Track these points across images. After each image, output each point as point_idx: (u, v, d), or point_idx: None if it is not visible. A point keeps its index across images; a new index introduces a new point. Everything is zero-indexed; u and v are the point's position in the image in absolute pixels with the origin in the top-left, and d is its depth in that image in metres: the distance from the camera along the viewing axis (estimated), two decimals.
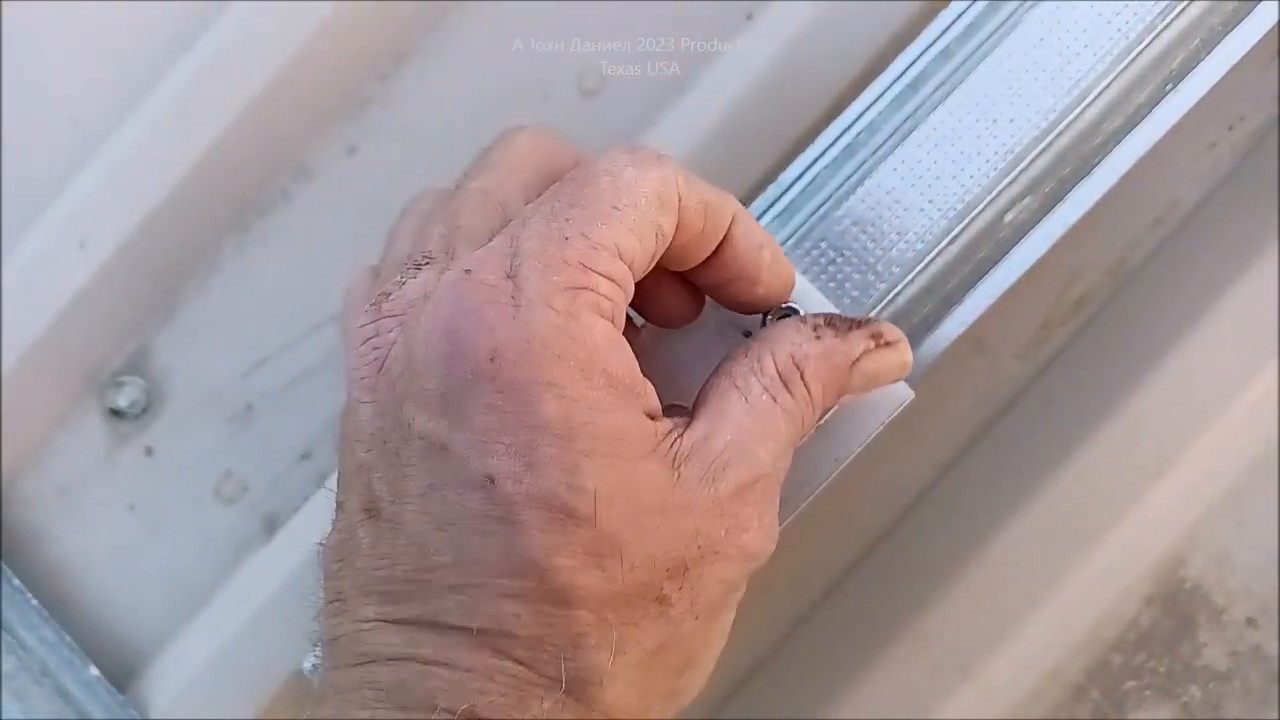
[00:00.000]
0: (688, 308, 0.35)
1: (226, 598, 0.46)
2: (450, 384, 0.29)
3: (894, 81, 0.39)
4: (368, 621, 0.30)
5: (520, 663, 0.29)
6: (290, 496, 0.47)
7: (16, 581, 0.45)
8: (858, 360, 0.33)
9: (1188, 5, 0.38)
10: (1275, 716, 0.43)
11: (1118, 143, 0.38)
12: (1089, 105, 0.38)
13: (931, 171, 0.38)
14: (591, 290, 0.29)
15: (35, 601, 0.45)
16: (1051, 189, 0.38)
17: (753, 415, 0.31)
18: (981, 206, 0.38)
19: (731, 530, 0.30)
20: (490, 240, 0.31)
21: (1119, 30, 0.38)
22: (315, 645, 0.32)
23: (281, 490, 0.47)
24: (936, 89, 0.39)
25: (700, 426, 0.31)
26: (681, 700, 0.32)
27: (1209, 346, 0.43)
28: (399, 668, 0.29)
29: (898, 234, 0.38)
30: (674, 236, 0.31)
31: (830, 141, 0.40)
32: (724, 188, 0.33)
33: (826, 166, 0.39)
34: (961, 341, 0.38)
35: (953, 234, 0.38)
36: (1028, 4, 0.38)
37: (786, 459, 0.32)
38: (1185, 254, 0.45)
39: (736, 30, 0.46)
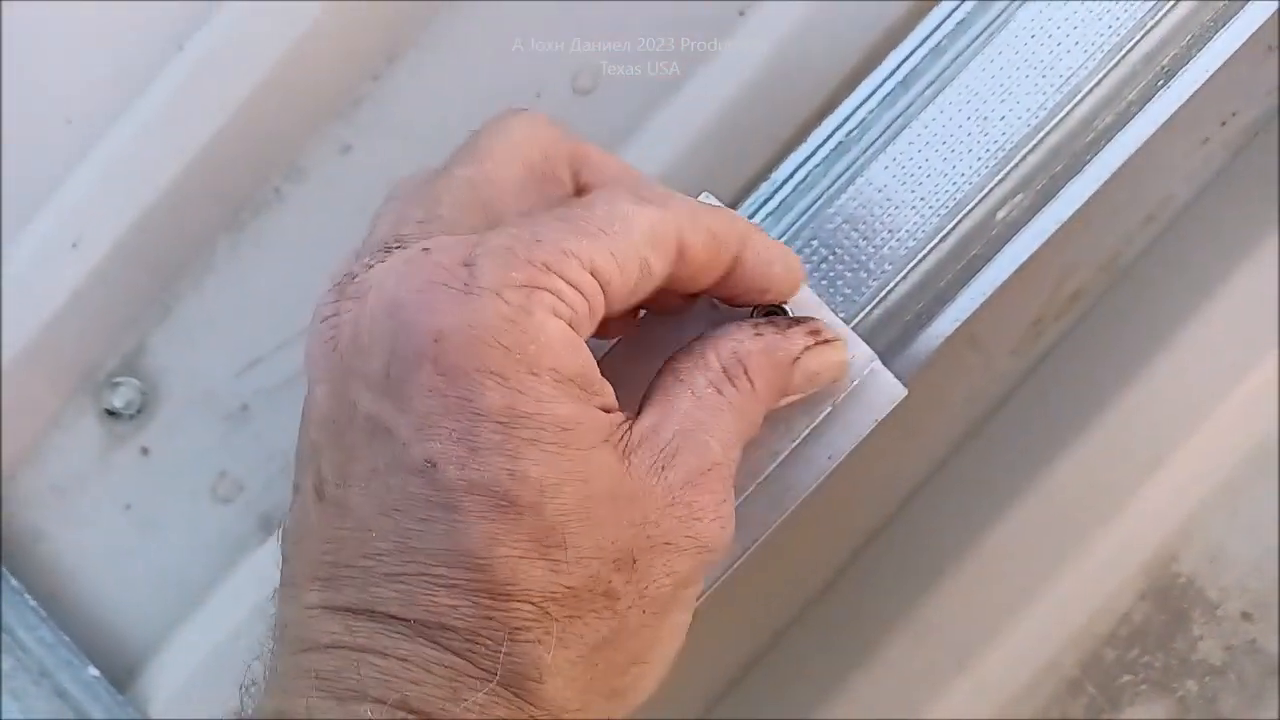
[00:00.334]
0: (684, 303, 0.35)
1: (223, 597, 0.46)
2: (394, 364, 0.29)
3: (885, 79, 0.39)
4: (312, 608, 0.30)
5: (457, 654, 0.28)
6: (286, 496, 0.47)
7: (14, 582, 0.45)
8: (798, 357, 0.33)
9: (1178, 2, 0.38)
10: (1272, 711, 0.44)
11: (1110, 139, 0.38)
12: (1080, 102, 0.38)
13: (923, 169, 0.38)
14: (550, 292, 0.29)
15: (33, 601, 0.45)
16: (1043, 186, 0.38)
17: (700, 407, 0.31)
18: (973, 204, 0.38)
19: (684, 519, 0.30)
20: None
21: (1110, 27, 0.37)
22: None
23: (277, 489, 0.47)
24: (928, 86, 0.39)
25: (648, 417, 0.31)
26: (629, 699, 0.32)
27: (1202, 342, 0.44)
28: (335, 656, 0.29)
29: (890, 231, 0.38)
30: (677, 270, 0.31)
31: (822, 139, 0.40)
32: (715, 186, 0.33)
33: (818, 164, 0.39)
34: (955, 338, 0.38)
35: (945, 231, 0.38)
36: (1018, 1, 0.38)
37: (736, 451, 0.32)
38: (1178, 250, 0.45)
39: (728, 28, 0.46)
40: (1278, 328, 0.43)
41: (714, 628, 0.46)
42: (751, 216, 0.40)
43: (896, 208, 0.38)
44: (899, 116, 0.38)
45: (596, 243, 0.29)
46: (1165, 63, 0.38)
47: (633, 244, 0.30)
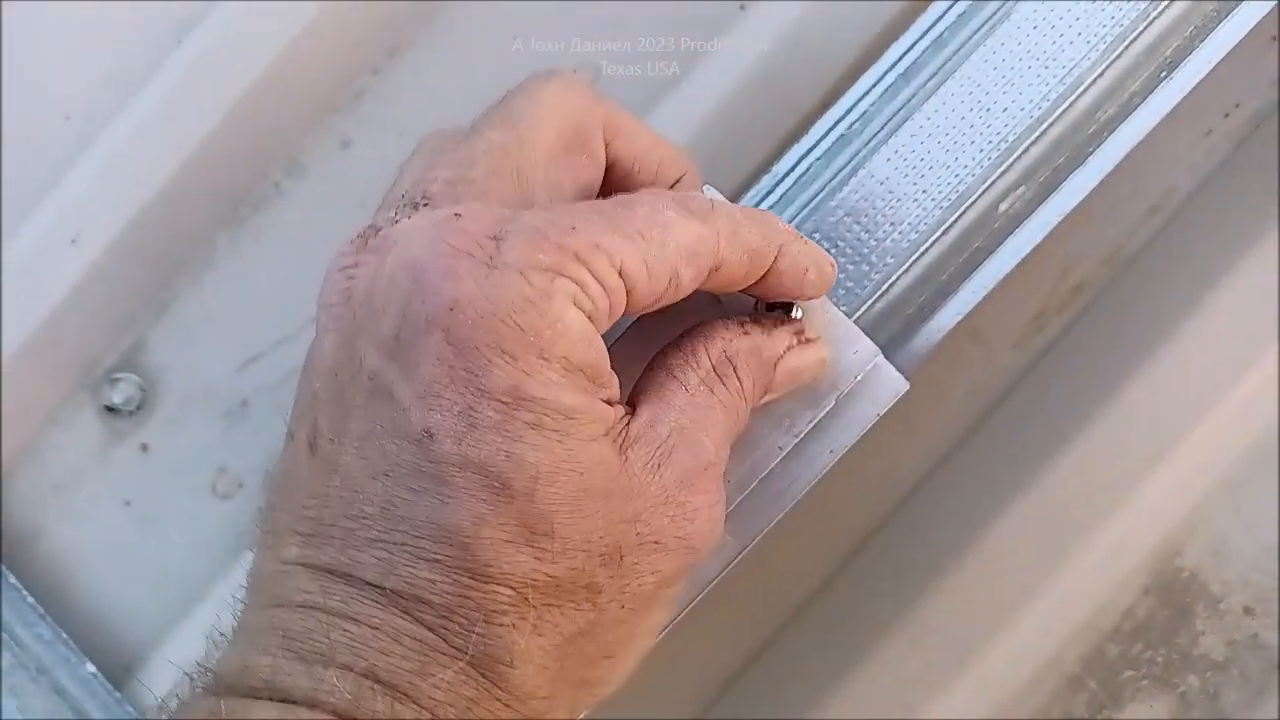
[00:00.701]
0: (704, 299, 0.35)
1: (222, 594, 0.46)
2: (405, 326, 0.28)
3: (887, 71, 0.39)
4: (289, 563, 0.29)
5: (429, 629, 0.28)
6: None
7: (12, 579, 0.45)
8: (782, 356, 0.33)
9: None
10: (1274, 706, 0.43)
11: (1112, 131, 0.38)
12: (1083, 94, 0.38)
13: (925, 161, 0.38)
14: (574, 281, 0.28)
15: (31, 598, 0.45)
16: (1046, 178, 0.38)
17: (694, 404, 0.31)
18: (976, 196, 0.38)
19: (676, 519, 0.30)
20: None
21: (1112, 18, 0.37)
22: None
23: None
24: (930, 78, 0.38)
25: (645, 414, 0.31)
26: (596, 691, 0.32)
27: (1205, 335, 0.43)
28: (307, 616, 0.29)
29: (892, 224, 0.38)
30: (710, 281, 0.31)
31: (824, 132, 0.40)
32: (717, 178, 0.33)
33: (820, 157, 0.39)
34: (957, 332, 0.38)
35: (947, 224, 0.38)
36: None
37: (726, 450, 0.32)
38: (1181, 242, 0.45)
39: (729, 24, 0.46)
40: None
41: (712, 625, 0.46)
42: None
43: (899, 200, 0.38)
44: (901, 109, 0.38)
45: (631, 245, 0.29)
46: (1168, 54, 0.38)
47: (667, 255, 0.30)
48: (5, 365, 0.46)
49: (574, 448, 0.29)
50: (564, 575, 0.29)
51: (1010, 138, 0.37)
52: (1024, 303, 0.45)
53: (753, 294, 0.33)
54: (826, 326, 0.35)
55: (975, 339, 0.45)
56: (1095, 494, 0.44)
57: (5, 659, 0.44)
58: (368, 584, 0.28)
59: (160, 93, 0.46)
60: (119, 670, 0.47)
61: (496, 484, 0.28)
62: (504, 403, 0.28)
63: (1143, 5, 0.37)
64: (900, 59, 0.39)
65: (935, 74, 0.38)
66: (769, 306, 0.34)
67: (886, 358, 0.35)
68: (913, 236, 0.38)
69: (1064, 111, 0.38)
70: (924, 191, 0.38)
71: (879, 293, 0.38)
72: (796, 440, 0.35)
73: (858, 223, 0.38)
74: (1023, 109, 0.37)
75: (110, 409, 0.48)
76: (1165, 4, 0.37)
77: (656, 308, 0.31)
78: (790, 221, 0.38)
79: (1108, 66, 0.38)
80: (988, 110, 0.38)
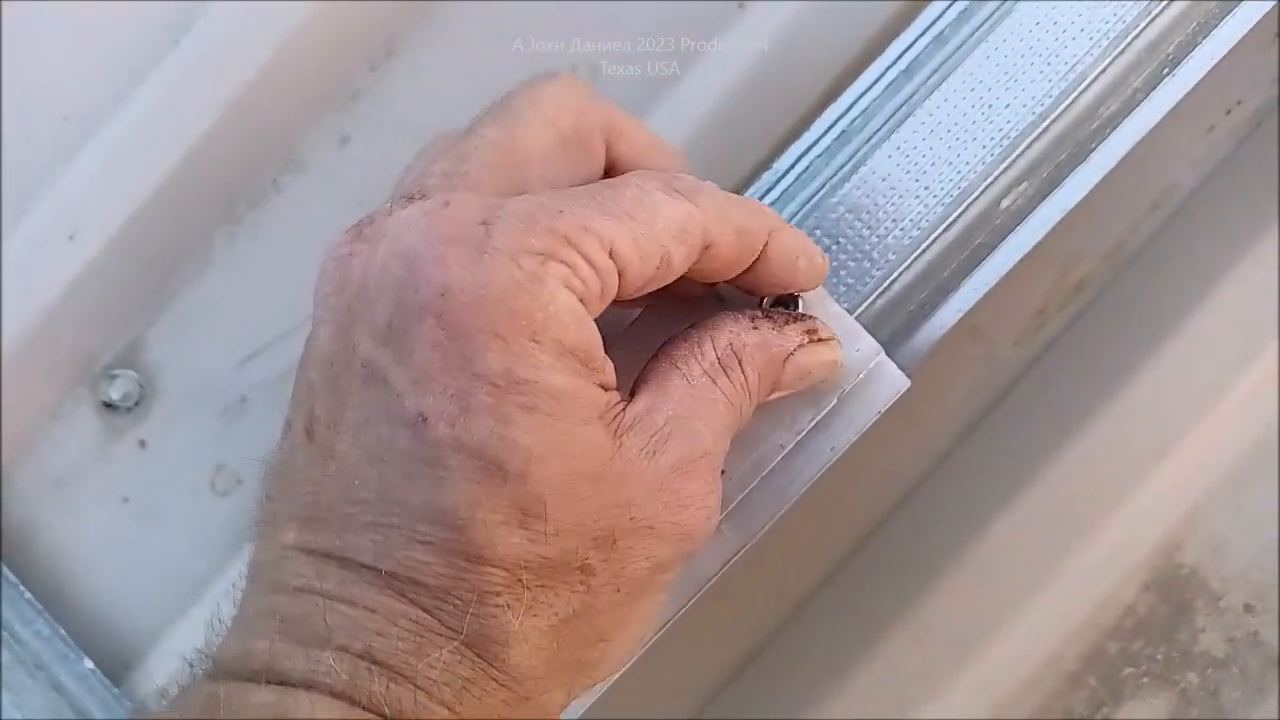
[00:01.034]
0: (699, 289, 0.35)
1: (221, 591, 0.46)
2: (399, 313, 0.29)
3: (889, 67, 0.39)
4: (288, 548, 0.30)
5: (425, 610, 0.28)
6: None
7: (11, 575, 0.45)
8: (791, 354, 0.33)
9: None
10: (1273, 703, 0.43)
11: (1114, 127, 0.38)
12: (1085, 90, 0.38)
13: (927, 158, 0.38)
14: (565, 264, 0.29)
15: (29, 595, 0.45)
16: (1048, 174, 0.38)
17: (694, 395, 0.31)
18: (978, 193, 0.38)
19: (671, 505, 0.30)
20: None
21: (1115, 14, 0.37)
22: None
23: None
24: (931, 75, 0.38)
25: (642, 400, 0.31)
26: (592, 673, 0.32)
27: (1207, 331, 0.43)
28: (304, 600, 0.29)
29: (893, 221, 0.38)
30: (700, 264, 0.31)
31: (825, 128, 0.40)
32: (718, 176, 0.33)
33: (821, 154, 0.39)
34: (958, 329, 0.38)
35: (949, 220, 0.38)
36: None
37: (726, 442, 0.32)
38: (1183, 239, 0.45)
39: (728, 22, 0.45)
40: None
41: (712, 622, 0.46)
42: None
43: (900, 197, 0.38)
44: (903, 105, 0.38)
45: (620, 225, 0.29)
46: (1170, 51, 0.38)
47: (656, 234, 0.30)
48: (4, 362, 0.46)
49: (566, 430, 0.29)
50: (557, 557, 0.29)
51: (1012, 134, 0.37)
52: (1026, 299, 0.45)
53: (747, 285, 0.33)
54: (828, 324, 0.35)
55: (977, 336, 0.45)
56: (1096, 491, 0.44)
57: (3, 655, 0.44)
58: (364, 567, 0.29)
59: (158, 90, 0.46)
60: (117, 667, 0.47)
61: (490, 466, 0.28)
62: (497, 386, 0.28)
63: (1145, 2, 0.37)
64: (902, 55, 0.39)
65: (937, 70, 0.38)
66: (775, 303, 0.34)
67: (888, 355, 0.35)
68: (914, 233, 0.37)
69: (1066, 108, 0.37)
70: (926, 188, 0.38)
71: (880, 289, 0.38)
72: (798, 438, 0.35)
73: (859, 219, 0.38)
74: (1025, 105, 0.37)
75: (108, 405, 0.48)
76: (1167, 1, 0.37)
77: (650, 289, 0.31)
78: (791, 219, 0.38)
79: (1110, 63, 0.37)
80: (990, 107, 0.37)
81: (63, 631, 0.45)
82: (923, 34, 0.39)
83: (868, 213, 0.38)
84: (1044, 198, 0.38)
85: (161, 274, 0.48)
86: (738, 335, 0.32)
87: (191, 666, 0.30)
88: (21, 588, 0.45)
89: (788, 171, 0.39)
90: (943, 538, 0.45)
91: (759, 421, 0.34)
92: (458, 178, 0.33)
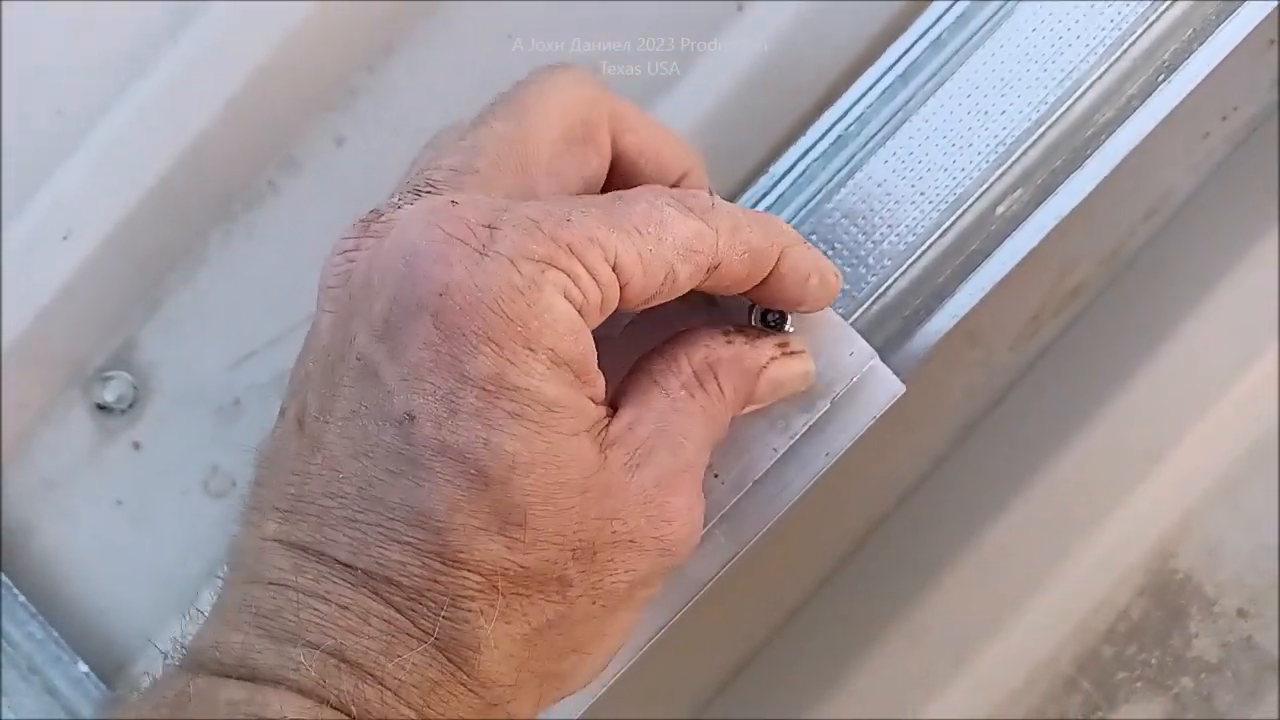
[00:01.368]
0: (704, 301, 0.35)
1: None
2: (396, 309, 0.29)
3: (885, 73, 0.39)
4: (268, 539, 0.30)
5: (398, 610, 0.28)
6: None
7: (4, 578, 0.45)
8: (764, 367, 0.33)
9: None
10: (1267, 708, 0.43)
11: (1110, 134, 0.38)
12: (1081, 96, 0.38)
13: (923, 164, 0.38)
14: (565, 273, 0.29)
15: (22, 597, 0.45)
16: (1044, 180, 0.38)
17: (674, 409, 0.31)
18: (973, 198, 0.38)
19: (654, 520, 0.30)
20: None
21: (1111, 21, 0.37)
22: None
23: None
24: (928, 80, 0.38)
25: (625, 414, 0.31)
26: (563, 685, 0.32)
27: (1203, 337, 0.44)
28: (278, 594, 0.29)
29: (889, 226, 0.38)
30: (710, 280, 0.31)
31: (821, 133, 0.40)
32: (717, 176, 0.33)
33: (817, 159, 0.39)
34: (954, 334, 0.38)
35: (944, 226, 0.38)
36: None
37: (706, 455, 0.32)
38: (1179, 244, 0.45)
39: (726, 24, 0.45)
40: (1278, 322, 0.43)
41: (708, 626, 0.46)
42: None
43: (896, 202, 0.38)
44: (899, 110, 0.38)
45: (627, 239, 0.29)
46: (1166, 57, 0.38)
47: (663, 250, 0.30)
48: None
49: (553, 440, 0.29)
50: (534, 566, 0.29)
51: (1009, 140, 0.37)
52: (1021, 304, 0.45)
53: (753, 298, 0.33)
54: (822, 328, 0.35)
55: (973, 340, 0.45)
56: (1091, 495, 0.44)
57: None
58: (339, 563, 0.29)
59: (154, 88, 0.46)
60: (111, 669, 0.46)
61: (473, 471, 0.28)
62: (486, 390, 0.28)
63: (1142, 8, 0.37)
64: (899, 60, 0.39)
65: (934, 76, 0.38)
66: (764, 314, 0.34)
67: (883, 360, 0.35)
68: (910, 239, 0.37)
69: (1063, 114, 0.38)
70: (921, 194, 0.38)
71: (876, 295, 0.38)
72: (791, 442, 0.35)
73: (855, 225, 0.38)
74: (1021, 111, 0.37)
75: (102, 407, 0.47)
76: (1164, 7, 0.37)
77: (653, 304, 0.31)
78: (787, 223, 0.38)
79: (1107, 69, 0.37)
80: (986, 113, 0.37)
81: (56, 634, 0.45)
82: (919, 39, 0.39)
83: (863, 218, 0.38)
84: (1039, 204, 0.38)
85: (156, 275, 0.48)
86: (712, 350, 0.32)
87: (165, 656, 0.30)
88: (14, 590, 0.45)
89: (784, 176, 0.39)
90: (939, 541, 0.45)
91: (752, 426, 0.34)
92: (467, 173, 0.33)
